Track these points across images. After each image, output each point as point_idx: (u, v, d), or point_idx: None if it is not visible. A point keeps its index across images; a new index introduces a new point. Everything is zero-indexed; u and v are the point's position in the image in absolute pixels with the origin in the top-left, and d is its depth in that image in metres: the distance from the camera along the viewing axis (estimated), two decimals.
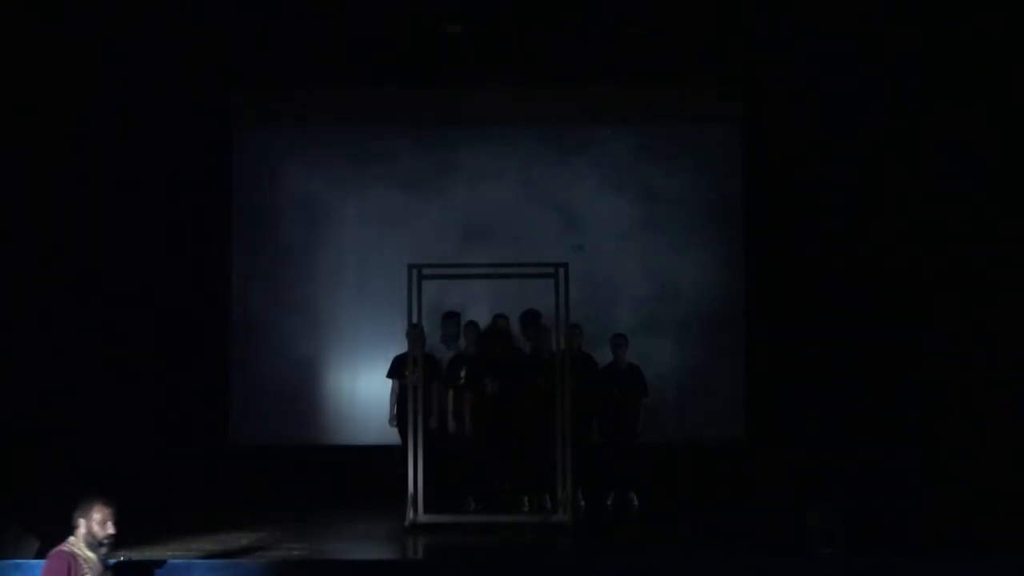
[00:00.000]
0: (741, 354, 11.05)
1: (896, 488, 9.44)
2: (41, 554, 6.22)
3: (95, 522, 5.94)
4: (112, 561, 6.08)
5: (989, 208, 9.53)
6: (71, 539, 5.97)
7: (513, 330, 10.25)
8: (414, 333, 9.00)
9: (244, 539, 7.84)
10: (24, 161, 8.95)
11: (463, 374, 9.54)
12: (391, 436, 9.86)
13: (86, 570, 5.91)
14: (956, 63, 9.53)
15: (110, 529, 5.94)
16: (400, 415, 9.54)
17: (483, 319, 10.14)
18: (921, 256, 10.05)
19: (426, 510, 8.61)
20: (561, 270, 8.78)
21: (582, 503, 9.46)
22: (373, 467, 9.84)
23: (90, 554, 5.95)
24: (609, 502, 9.90)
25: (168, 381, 10.26)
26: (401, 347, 9.67)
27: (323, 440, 10.75)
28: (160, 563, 6.85)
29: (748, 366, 11.01)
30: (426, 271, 8.98)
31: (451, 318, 10.22)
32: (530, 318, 10.15)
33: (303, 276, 11.28)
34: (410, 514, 8.52)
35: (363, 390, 10.88)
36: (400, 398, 9.58)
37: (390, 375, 9.97)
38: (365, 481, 9.87)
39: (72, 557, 5.90)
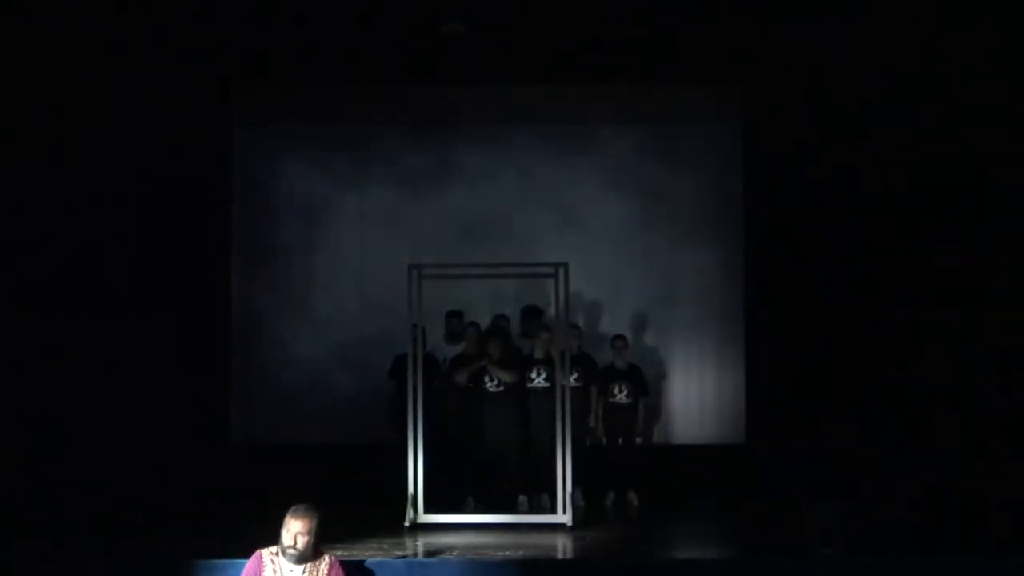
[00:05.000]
0: (741, 354, 11.06)
1: (896, 488, 9.44)
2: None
3: (284, 529, 6.16)
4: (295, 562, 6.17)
5: (990, 208, 9.54)
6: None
7: (513, 330, 10.26)
8: (414, 333, 9.00)
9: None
10: (23, 161, 8.95)
11: (463, 374, 9.54)
12: (391, 436, 9.86)
13: (272, 572, 6.11)
14: (957, 62, 9.53)
15: (289, 540, 6.12)
16: (400, 415, 9.53)
17: (483, 319, 10.14)
18: (922, 256, 10.05)
19: (426, 510, 8.61)
20: (561, 270, 8.77)
21: (582, 503, 9.45)
22: (373, 467, 9.83)
23: (287, 565, 6.14)
24: (609, 502, 9.90)
25: (168, 381, 10.26)
26: (401, 347, 9.67)
27: (323, 440, 10.73)
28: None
29: (748, 366, 11.01)
30: (426, 271, 8.99)
31: (455, 317, 10.23)
32: (530, 313, 10.16)
33: (303, 276, 11.29)
34: (410, 514, 8.52)
35: (363, 390, 10.87)
36: (400, 398, 9.58)
37: (390, 375, 9.98)
38: (365, 481, 9.86)
39: (260, 560, 6.16)
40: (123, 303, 9.95)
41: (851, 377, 10.26)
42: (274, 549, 6.20)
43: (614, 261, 11.15)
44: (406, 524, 8.48)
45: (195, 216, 10.78)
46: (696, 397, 11.07)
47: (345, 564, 6.54)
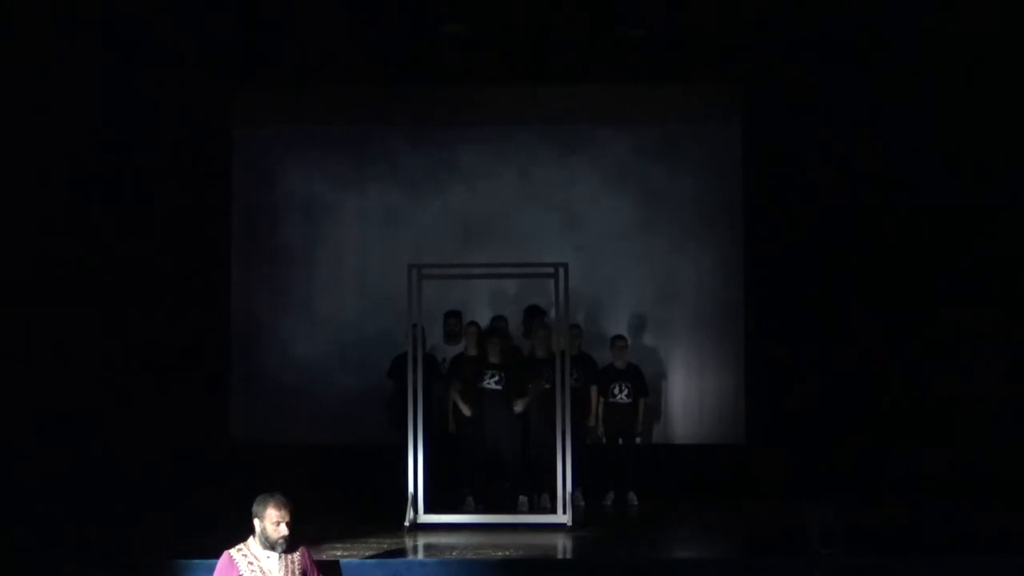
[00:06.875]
0: (741, 354, 11.06)
1: (896, 488, 9.44)
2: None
3: (269, 523, 5.92)
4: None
5: (990, 208, 9.56)
6: (251, 539, 6.00)
7: (514, 330, 10.26)
8: (414, 333, 9.00)
9: None
10: (24, 161, 8.96)
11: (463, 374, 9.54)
12: (391, 436, 9.86)
13: (247, 571, 5.91)
14: (957, 62, 9.55)
15: (282, 531, 5.92)
16: (400, 415, 9.53)
17: (483, 319, 10.14)
18: (922, 256, 10.06)
19: (426, 510, 8.61)
20: (561, 270, 8.76)
21: (582, 503, 9.45)
22: (373, 467, 9.83)
23: (263, 553, 5.94)
24: (609, 502, 9.90)
25: (169, 381, 10.26)
26: (401, 347, 9.66)
27: (323, 440, 10.74)
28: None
29: (747, 366, 11.01)
30: (426, 271, 8.98)
31: (453, 316, 10.23)
32: (532, 312, 10.15)
33: (303, 276, 11.30)
34: (410, 514, 8.52)
35: (363, 390, 10.87)
36: (400, 398, 9.57)
37: (390, 375, 9.98)
38: (365, 481, 9.86)
39: (232, 559, 5.95)
40: (123, 303, 9.96)
41: (850, 377, 10.26)
42: (240, 546, 6.01)
43: (614, 261, 11.15)
44: (406, 524, 8.48)
45: (195, 216, 10.78)
46: (696, 397, 11.07)
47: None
